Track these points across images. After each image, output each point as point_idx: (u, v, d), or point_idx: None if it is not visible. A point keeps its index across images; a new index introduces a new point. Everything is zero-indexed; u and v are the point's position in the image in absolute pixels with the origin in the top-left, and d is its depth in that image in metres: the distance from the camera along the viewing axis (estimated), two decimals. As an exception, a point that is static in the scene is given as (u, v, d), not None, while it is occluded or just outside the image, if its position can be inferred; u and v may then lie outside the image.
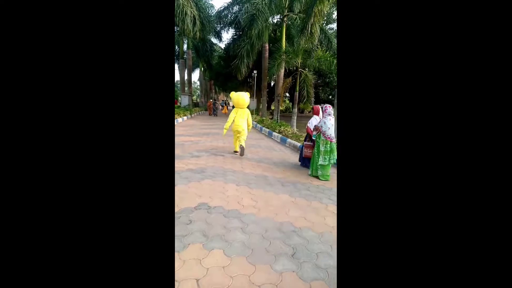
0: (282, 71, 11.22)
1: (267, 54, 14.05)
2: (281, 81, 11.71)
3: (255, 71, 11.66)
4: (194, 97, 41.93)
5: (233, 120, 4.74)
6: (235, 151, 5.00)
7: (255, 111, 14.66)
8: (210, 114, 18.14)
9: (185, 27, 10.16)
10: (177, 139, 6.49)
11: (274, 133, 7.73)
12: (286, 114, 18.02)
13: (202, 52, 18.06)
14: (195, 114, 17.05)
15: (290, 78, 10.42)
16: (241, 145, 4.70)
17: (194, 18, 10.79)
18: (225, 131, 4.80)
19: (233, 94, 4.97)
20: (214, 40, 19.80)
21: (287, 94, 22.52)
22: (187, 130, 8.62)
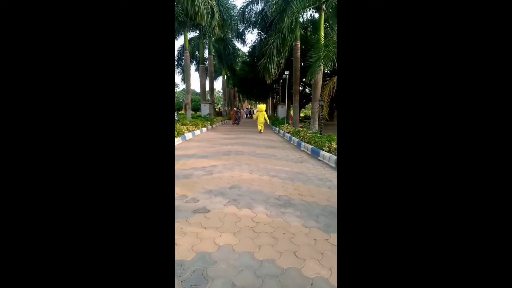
0: (321, 70, 8.89)
1: (298, 54, 11.88)
2: (320, 82, 9.39)
3: (286, 72, 9.53)
4: (219, 106, 40.99)
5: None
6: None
7: (285, 120, 12.33)
8: (233, 123, 17.09)
9: (197, 12, 8.27)
10: (185, 164, 4.48)
11: (322, 152, 5.35)
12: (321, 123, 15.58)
13: (225, 56, 16.38)
14: (218, 124, 15.35)
15: (335, 78, 8.02)
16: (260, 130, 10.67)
17: (212, 10, 9.10)
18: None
19: (259, 105, 10.93)
20: (237, 45, 18.18)
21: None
22: (203, 147, 6.68)
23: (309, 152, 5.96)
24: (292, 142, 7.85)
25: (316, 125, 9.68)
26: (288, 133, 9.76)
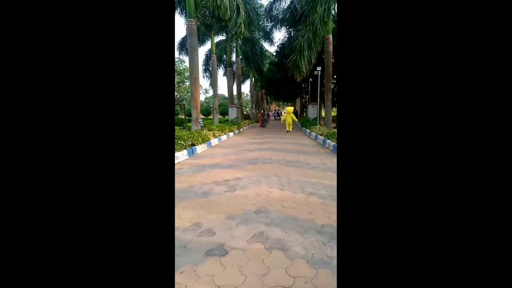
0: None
1: (331, 48, 10.86)
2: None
3: (318, 68, 8.60)
4: (247, 109, 40.97)
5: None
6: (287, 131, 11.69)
7: (317, 120, 11.39)
8: (260, 126, 16.82)
9: (220, 6, 7.73)
10: (207, 177, 3.93)
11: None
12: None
13: (252, 57, 15.92)
14: (245, 127, 14.90)
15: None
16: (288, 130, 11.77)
17: (238, 7, 8.61)
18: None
19: (287, 108, 9.97)
20: (264, 45, 17.61)
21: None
22: (228, 154, 6.14)
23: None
24: (327, 146, 6.94)
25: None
26: (321, 135, 8.82)
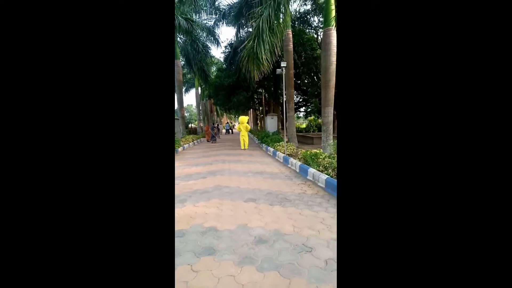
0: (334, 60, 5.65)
1: (291, 46, 8.72)
2: (334, 78, 6.11)
3: (283, 64, 6.11)
4: (195, 123, 36.93)
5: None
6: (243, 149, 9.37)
7: (284, 135, 8.90)
8: (208, 140, 13.96)
9: None
10: None
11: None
12: (308, 134, 12.33)
13: (194, 56, 12.79)
14: (188, 144, 11.49)
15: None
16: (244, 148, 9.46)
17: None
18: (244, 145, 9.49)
19: (241, 117, 9.62)
20: (210, 47, 14.74)
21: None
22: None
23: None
24: (311, 178, 4.31)
25: (331, 140, 6.31)
26: (290, 155, 6.23)
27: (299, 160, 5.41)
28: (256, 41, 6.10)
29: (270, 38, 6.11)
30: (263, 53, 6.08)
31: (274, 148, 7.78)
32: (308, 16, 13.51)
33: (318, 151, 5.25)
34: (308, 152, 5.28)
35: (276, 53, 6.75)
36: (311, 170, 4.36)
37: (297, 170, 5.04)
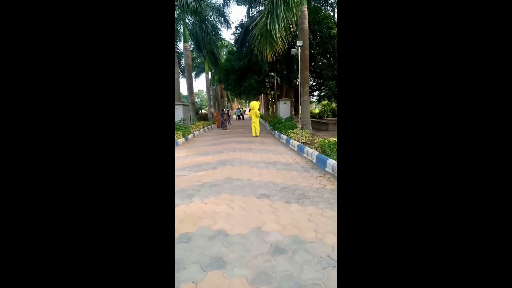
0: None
1: (306, 24, 7.97)
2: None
3: (299, 43, 5.48)
4: (206, 109, 36.73)
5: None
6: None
7: (300, 121, 8.49)
8: (218, 127, 13.76)
9: None
10: None
11: None
12: (324, 120, 11.68)
13: (203, 38, 12.19)
14: (199, 131, 11.27)
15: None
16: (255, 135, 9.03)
17: None
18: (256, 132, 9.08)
19: (252, 103, 9.37)
20: (219, 27, 14.01)
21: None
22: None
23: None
24: (330, 169, 3.92)
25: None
26: (305, 144, 5.82)
27: (316, 150, 5.00)
28: (269, 17, 5.47)
29: (285, 13, 5.47)
30: (277, 30, 5.46)
31: (287, 135, 7.36)
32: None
33: (331, 140, 4.80)
34: (326, 141, 4.84)
35: (292, 30, 6.11)
36: (330, 161, 3.96)
37: (314, 161, 4.64)
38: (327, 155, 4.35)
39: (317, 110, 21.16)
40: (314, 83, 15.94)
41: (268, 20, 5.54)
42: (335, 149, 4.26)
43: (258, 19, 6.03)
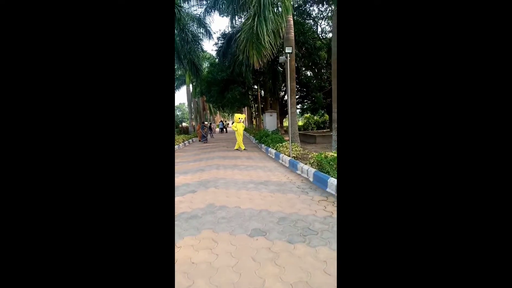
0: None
1: (292, 34, 7.68)
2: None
3: (288, 49, 5.00)
4: (187, 122, 35.48)
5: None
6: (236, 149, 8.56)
7: (289, 134, 7.95)
8: (199, 141, 13.25)
9: None
10: None
11: None
12: (320, 133, 11.34)
13: (183, 46, 11.53)
14: (180, 145, 10.38)
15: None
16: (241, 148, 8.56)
17: None
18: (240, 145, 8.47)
19: (236, 115, 8.84)
20: (200, 37, 13.50)
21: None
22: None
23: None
24: (332, 190, 3.31)
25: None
26: (296, 158, 5.24)
27: (312, 166, 4.41)
28: (257, 19, 4.96)
29: (273, 14, 5.00)
30: (265, 33, 4.96)
31: (276, 149, 6.76)
32: (307, 6, 12.51)
33: (334, 154, 4.25)
34: (323, 155, 4.28)
35: (281, 35, 5.67)
36: (332, 180, 3.37)
37: (311, 179, 4.03)
38: (326, 173, 3.76)
39: (300, 123, 21.02)
40: (297, 96, 15.78)
41: (255, 23, 5.04)
42: (334, 166, 3.68)
43: (243, 21, 5.51)
